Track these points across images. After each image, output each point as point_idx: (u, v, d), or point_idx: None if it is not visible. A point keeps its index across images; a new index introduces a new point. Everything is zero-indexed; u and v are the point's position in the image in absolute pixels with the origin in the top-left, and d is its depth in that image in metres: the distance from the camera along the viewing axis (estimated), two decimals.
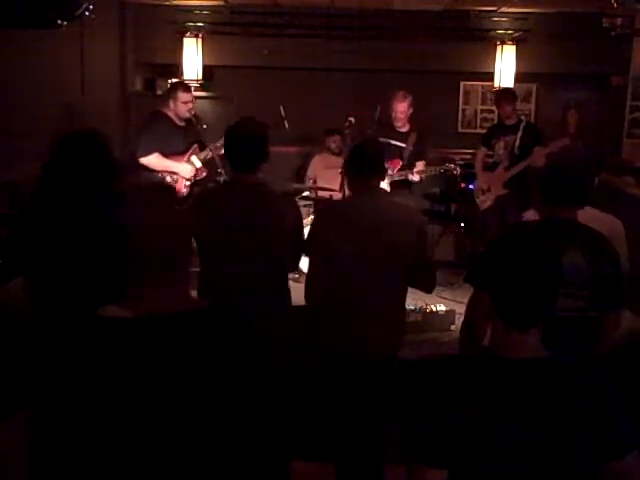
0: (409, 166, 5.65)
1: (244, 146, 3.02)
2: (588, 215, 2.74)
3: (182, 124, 5.26)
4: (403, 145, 5.58)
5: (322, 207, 3.38)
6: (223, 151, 5.13)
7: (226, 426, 1.38)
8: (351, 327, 2.95)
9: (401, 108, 5.57)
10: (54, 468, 1.36)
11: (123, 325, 1.41)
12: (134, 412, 1.33)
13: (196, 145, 5.33)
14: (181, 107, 5.16)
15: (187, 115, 5.20)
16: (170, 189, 3.20)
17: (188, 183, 5.25)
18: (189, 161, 5.29)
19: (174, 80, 7.56)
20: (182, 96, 5.16)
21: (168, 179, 5.13)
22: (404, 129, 5.66)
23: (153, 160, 5.07)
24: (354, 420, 3.00)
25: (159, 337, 1.39)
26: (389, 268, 2.92)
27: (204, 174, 5.36)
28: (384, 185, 5.53)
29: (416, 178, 5.62)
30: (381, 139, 5.47)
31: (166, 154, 5.13)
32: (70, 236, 2.72)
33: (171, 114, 5.21)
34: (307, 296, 3.07)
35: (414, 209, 3.22)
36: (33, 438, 1.40)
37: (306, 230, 6.04)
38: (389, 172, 5.51)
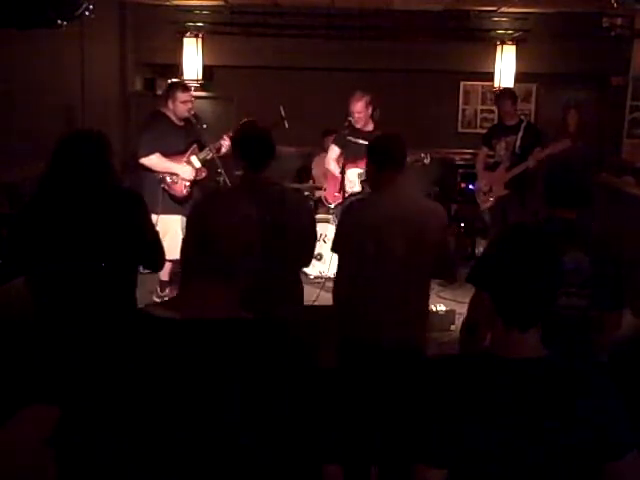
0: None
1: (261, 145, 3.08)
2: None
3: (181, 124, 5.25)
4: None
5: (347, 204, 3.42)
6: (224, 151, 5.21)
7: (266, 434, 1.35)
8: (380, 321, 2.99)
9: (357, 108, 5.47)
10: (92, 468, 1.33)
11: (170, 326, 1.37)
12: (170, 413, 1.31)
13: (195, 145, 5.32)
14: (180, 107, 5.14)
15: (186, 115, 5.18)
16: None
17: (187, 184, 5.24)
18: (189, 161, 5.28)
19: (174, 80, 7.58)
20: (181, 96, 5.14)
21: (168, 179, 5.12)
22: (368, 128, 5.52)
23: (154, 160, 5.07)
24: (394, 414, 3.00)
25: (204, 341, 1.35)
26: (414, 263, 2.97)
27: (204, 174, 5.35)
28: (357, 185, 5.55)
29: None
30: (349, 139, 5.47)
31: (166, 154, 5.12)
32: (70, 236, 2.72)
33: (170, 114, 5.20)
34: (335, 293, 3.15)
35: (436, 204, 3.23)
36: (62, 438, 1.36)
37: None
38: (359, 172, 5.51)
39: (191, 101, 5.22)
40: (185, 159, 5.27)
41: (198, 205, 1.56)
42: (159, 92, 7.61)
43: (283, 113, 5.89)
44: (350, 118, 5.56)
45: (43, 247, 2.73)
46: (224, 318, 1.39)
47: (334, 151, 5.79)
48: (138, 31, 7.20)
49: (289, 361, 1.41)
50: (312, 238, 3.23)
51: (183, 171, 5.19)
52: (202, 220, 1.48)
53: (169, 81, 7.53)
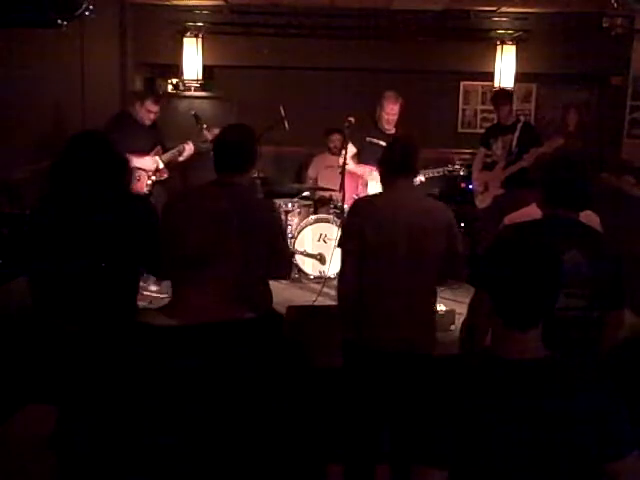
0: None
1: (231, 152, 3.06)
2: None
3: (147, 125, 5.39)
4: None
5: (355, 203, 3.43)
6: (186, 155, 5.43)
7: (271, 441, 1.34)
8: (385, 322, 2.99)
9: (394, 110, 5.42)
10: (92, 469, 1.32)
11: (170, 333, 1.36)
12: (173, 422, 1.30)
13: (159, 147, 5.47)
14: (144, 113, 5.34)
15: (147, 123, 5.38)
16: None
17: (150, 182, 5.36)
18: (152, 160, 5.43)
19: (174, 80, 7.59)
20: (149, 104, 5.34)
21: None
22: (391, 131, 5.49)
23: None
24: (400, 415, 2.99)
25: (207, 345, 1.34)
26: (419, 263, 2.98)
27: (165, 175, 5.49)
28: (375, 187, 5.52)
29: (422, 178, 5.54)
30: (369, 139, 5.46)
31: (129, 152, 5.22)
32: (74, 237, 2.72)
33: (135, 115, 5.36)
34: (340, 291, 3.13)
35: (443, 205, 3.23)
36: (61, 439, 1.34)
37: (306, 231, 6.03)
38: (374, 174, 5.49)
39: (155, 113, 5.39)
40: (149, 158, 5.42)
41: (166, 206, 1.55)
42: (139, 94, 7.62)
43: (283, 113, 5.89)
44: (351, 118, 5.54)
45: (47, 247, 2.74)
46: (220, 321, 1.38)
47: (351, 150, 5.74)
48: (138, 31, 7.19)
49: (286, 360, 1.40)
50: (280, 244, 3.12)
51: (143, 163, 5.30)
52: (169, 218, 1.47)
53: (170, 81, 7.58)
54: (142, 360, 1.33)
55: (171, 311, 1.40)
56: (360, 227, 3.05)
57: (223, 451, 1.31)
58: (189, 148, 5.49)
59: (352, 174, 5.65)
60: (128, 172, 2.92)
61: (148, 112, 5.32)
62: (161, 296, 4.94)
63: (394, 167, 3.11)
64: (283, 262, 3.21)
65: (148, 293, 5.13)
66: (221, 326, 1.37)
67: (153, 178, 5.40)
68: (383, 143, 5.32)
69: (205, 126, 5.46)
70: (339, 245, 3.26)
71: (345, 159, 5.46)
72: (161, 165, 5.42)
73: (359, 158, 5.61)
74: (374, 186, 5.39)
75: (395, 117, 5.47)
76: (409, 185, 3.17)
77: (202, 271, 1.41)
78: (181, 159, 5.54)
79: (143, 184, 5.33)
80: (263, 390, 1.33)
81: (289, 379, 1.37)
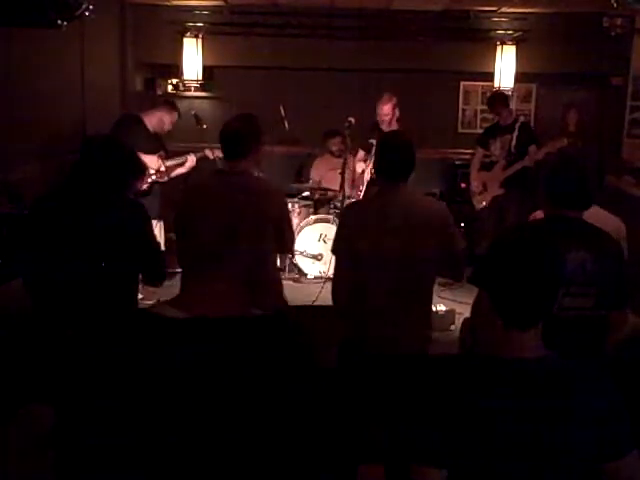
0: None
1: (232, 136, 3.18)
2: (591, 214, 2.74)
3: (153, 131, 5.49)
4: None
5: (348, 206, 3.44)
6: (188, 166, 5.54)
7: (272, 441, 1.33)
8: (380, 324, 2.96)
9: (385, 110, 5.53)
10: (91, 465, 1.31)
11: (173, 325, 1.35)
12: (177, 414, 1.29)
13: (162, 152, 5.55)
14: (162, 123, 5.48)
15: (160, 131, 5.52)
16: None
17: (149, 180, 5.42)
18: (157, 159, 5.50)
19: (174, 80, 7.59)
20: (174, 116, 5.52)
21: None
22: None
23: None
24: (393, 417, 2.98)
25: (209, 340, 1.33)
26: (415, 265, 2.95)
27: (165, 178, 5.55)
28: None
29: None
30: (372, 141, 5.48)
31: None
32: (70, 240, 2.72)
33: (147, 120, 5.42)
34: (334, 295, 3.13)
35: (439, 203, 3.22)
36: (60, 438, 1.33)
37: (306, 231, 6.04)
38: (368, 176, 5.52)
39: (170, 123, 5.56)
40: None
41: (182, 199, 1.58)
42: (159, 92, 7.64)
43: (283, 113, 5.89)
44: (351, 119, 5.56)
45: (43, 249, 2.73)
46: (228, 316, 1.38)
47: (360, 154, 5.79)
48: (138, 31, 7.19)
49: (290, 360, 1.40)
50: (284, 223, 3.24)
51: (149, 160, 5.32)
52: (180, 212, 1.50)
53: (170, 81, 7.57)
54: (147, 350, 1.33)
55: (179, 303, 1.40)
56: (349, 232, 3.05)
57: (221, 446, 1.30)
58: (191, 160, 5.59)
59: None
60: (141, 179, 2.95)
61: (169, 123, 5.50)
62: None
63: (391, 175, 3.01)
64: (287, 242, 3.32)
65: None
66: (226, 322, 1.37)
67: (153, 177, 5.44)
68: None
69: (205, 126, 5.47)
70: (332, 251, 3.27)
71: (345, 160, 5.49)
72: (162, 168, 5.49)
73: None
74: None
75: (388, 117, 5.56)
76: (404, 186, 3.07)
77: (213, 266, 1.41)
78: (182, 170, 5.61)
79: (142, 182, 5.35)
80: (262, 388, 1.32)
81: (291, 379, 1.37)
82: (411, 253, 2.92)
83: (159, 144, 5.56)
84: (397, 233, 2.92)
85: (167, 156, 5.56)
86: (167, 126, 5.54)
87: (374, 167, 3.24)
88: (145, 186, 5.36)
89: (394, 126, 5.59)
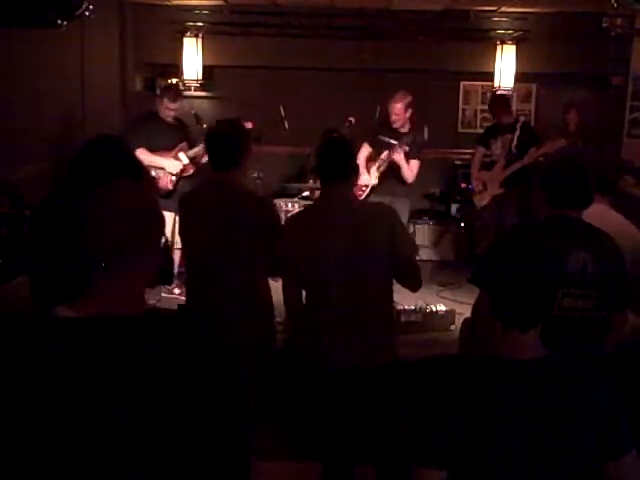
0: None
1: (221, 146, 3.10)
2: (597, 212, 2.73)
3: (172, 122, 5.57)
4: (395, 142, 5.33)
5: (289, 219, 3.33)
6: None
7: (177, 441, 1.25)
8: (339, 337, 2.83)
9: (396, 110, 5.34)
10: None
11: (67, 325, 1.33)
12: (56, 421, 1.24)
13: (185, 143, 5.56)
14: (164, 111, 5.52)
15: (168, 119, 5.54)
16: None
17: (174, 178, 5.48)
18: (176, 157, 5.52)
19: (174, 80, 7.59)
20: (166, 103, 5.50)
21: (152, 174, 5.24)
22: (404, 130, 5.42)
23: (139, 156, 5.14)
24: (366, 427, 2.93)
25: (104, 340, 1.30)
26: (366, 271, 2.81)
27: (191, 171, 5.57)
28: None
29: (374, 182, 5.48)
30: (380, 137, 5.45)
31: (153, 150, 5.38)
32: (74, 237, 2.71)
33: (160, 113, 5.53)
34: (287, 312, 3.10)
35: (385, 207, 3.07)
36: None
37: None
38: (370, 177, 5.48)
39: (174, 110, 5.55)
40: (173, 155, 5.51)
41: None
42: (159, 92, 7.63)
43: (283, 113, 5.89)
44: (351, 119, 5.54)
45: (48, 247, 2.73)
46: (126, 315, 1.35)
47: (366, 150, 5.68)
48: (138, 31, 7.19)
49: (188, 356, 1.33)
50: (272, 244, 3.03)
51: (169, 165, 5.45)
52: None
53: (169, 81, 7.56)
54: (33, 351, 1.32)
55: (80, 304, 1.39)
56: (294, 244, 2.91)
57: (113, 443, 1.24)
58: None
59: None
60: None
61: (167, 110, 5.50)
62: (182, 298, 4.94)
63: (328, 173, 2.90)
64: (273, 261, 3.11)
65: (172, 296, 5.22)
66: (116, 320, 1.34)
67: (173, 178, 5.50)
68: (394, 142, 5.33)
69: (205, 126, 5.46)
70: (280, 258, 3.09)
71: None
72: (185, 161, 5.52)
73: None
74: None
75: (400, 116, 5.37)
76: (345, 190, 2.94)
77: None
78: (205, 160, 5.41)
79: (165, 182, 5.44)
80: (151, 387, 1.27)
81: (184, 377, 1.30)
82: (359, 259, 2.79)
83: (180, 134, 5.58)
84: (342, 239, 2.79)
85: (191, 145, 5.56)
86: (172, 106, 5.51)
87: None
88: (170, 185, 5.46)
89: (406, 128, 5.42)
